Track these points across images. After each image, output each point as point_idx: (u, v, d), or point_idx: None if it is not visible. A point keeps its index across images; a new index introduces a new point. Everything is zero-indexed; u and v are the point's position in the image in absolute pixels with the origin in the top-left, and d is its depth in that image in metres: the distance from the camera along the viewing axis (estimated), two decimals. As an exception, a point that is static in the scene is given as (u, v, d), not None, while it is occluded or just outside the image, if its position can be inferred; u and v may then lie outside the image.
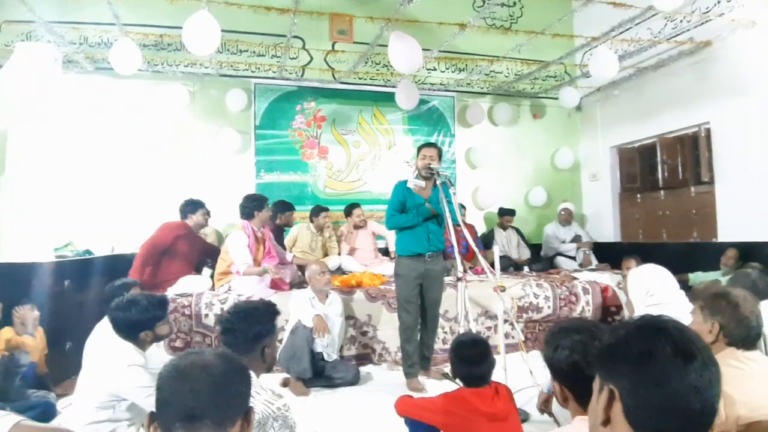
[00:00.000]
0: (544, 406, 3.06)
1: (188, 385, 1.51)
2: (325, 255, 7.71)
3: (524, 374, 4.40)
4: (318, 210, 7.76)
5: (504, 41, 7.87)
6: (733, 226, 7.16)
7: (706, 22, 7.06)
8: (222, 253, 6.27)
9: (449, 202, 4.89)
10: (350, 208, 8.00)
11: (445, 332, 6.19)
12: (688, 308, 2.85)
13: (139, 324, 3.26)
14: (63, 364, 4.97)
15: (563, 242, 9.08)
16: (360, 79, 8.82)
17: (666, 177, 8.43)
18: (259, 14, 6.70)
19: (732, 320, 2.42)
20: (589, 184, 10.15)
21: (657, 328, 1.22)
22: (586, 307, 6.79)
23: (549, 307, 6.67)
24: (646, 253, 6.13)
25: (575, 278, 7.21)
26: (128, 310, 3.23)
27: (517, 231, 9.23)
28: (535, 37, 7.33)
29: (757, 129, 6.75)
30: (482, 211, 9.76)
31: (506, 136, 9.97)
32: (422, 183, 5.09)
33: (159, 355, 3.58)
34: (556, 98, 9.52)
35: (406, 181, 5.24)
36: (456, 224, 4.87)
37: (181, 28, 5.86)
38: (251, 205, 6.12)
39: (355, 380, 5.32)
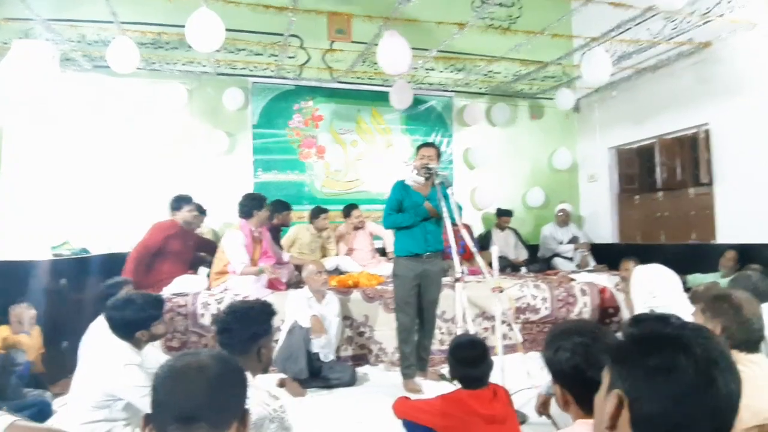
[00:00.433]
0: (543, 408, 3.04)
1: (184, 386, 1.51)
2: (323, 255, 7.69)
3: (522, 376, 4.39)
4: (318, 212, 7.72)
5: (502, 41, 7.85)
6: (732, 227, 7.15)
7: (706, 22, 7.03)
8: (218, 253, 6.23)
9: (447, 203, 4.88)
10: (349, 209, 7.98)
11: (443, 333, 6.17)
12: (690, 311, 2.82)
13: (135, 323, 3.26)
14: (59, 363, 4.95)
15: (561, 243, 9.08)
16: (358, 78, 8.80)
17: (665, 178, 8.42)
18: (257, 13, 6.68)
19: (734, 323, 2.39)
20: (587, 185, 10.14)
21: (681, 344, 1.13)
22: (583, 308, 6.77)
23: (546, 308, 6.66)
24: (644, 255, 6.12)
25: (573, 279, 7.19)
26: (124, 309, 3.24)
27: (515, 232, 9.23)
28: (534, 38, 7.31)
29: (757, 130, 6.74)
30: (480, 211, 9.75)
31: (504, 136, 9.97)
32: (421, 179, 5.08)
33: (155, 355, 3.60)
34: (554, 99, 9.50)
35: (404, 181, 5.23)
36: (454, 224, 4.86)
37: (178, 26, 5.86)
38: (251, 204, 6.09)
39: (351, 381, 5.30)
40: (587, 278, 7.26)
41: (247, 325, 2.67)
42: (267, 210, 6.27)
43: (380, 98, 9.04)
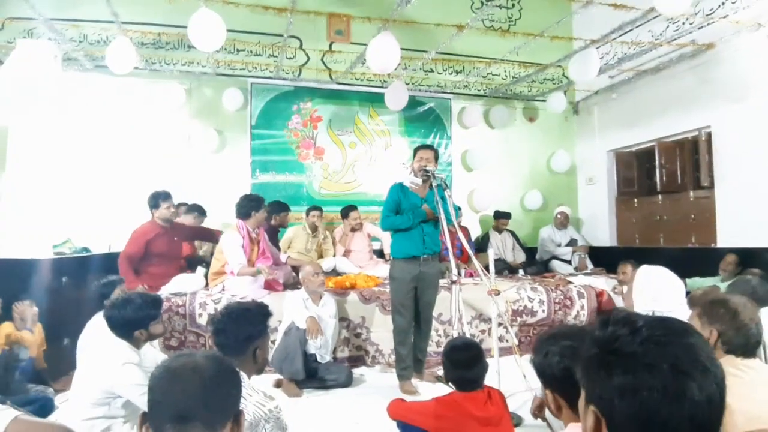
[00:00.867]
0: (538, 411, 3.04)
1: (179, 386, 1.54)
2: (320, 256, 7.70)
3: (518, 378, 4.39)
4: (308, 209, 7.82)
5: (502, 43, 7.88)
6: (733, 231, 7.12)
7: (709, 24, 7.01)
8: (216, 253, 6.24)
9: (444, 205, 4.88)
10: (347, 211, 7.99)
11: (439, 335, 6.17)
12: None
13: (133, 322, 3.30)
14: (60, 359, 4.98)
15: (559, 246, 9.08)
16: (357, 79, 8.81)
17: (664, 181, 8.39)
18: (257, 14, 6.69)
19: (731, 328, 2.38)
20: (586, 187, 10.14)
21: (644, 363, 1.07)
22: (580, 311, 6.77)
23: (543, 310, 6.66)
24: (643, 258, 6.11)
25: (570, 282, 7.20)
26: (123, 308, 3.28)
27: (513, 234, 9.23)
28: (534, 40, 7.31)
29: (760, 133, 6.71)
30: (478, 213, 9.76)
31: (503, 138, 9.96)
32: (419, 181, 5.10)
33: (153, 354, 3.63)
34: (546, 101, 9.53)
35: (401, 183, 5.24)
36: (450, 225, 4.86)
37: (179, 26, 5.86)
38: (249, 205, 6.09)
39: (348, 382, 5.30)
40: (585, 281, 7.26)
41: (242, 326, 2.68)
42: (265, 211, 6.27)
43: (379, 100, 9.03)
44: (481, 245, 8.67)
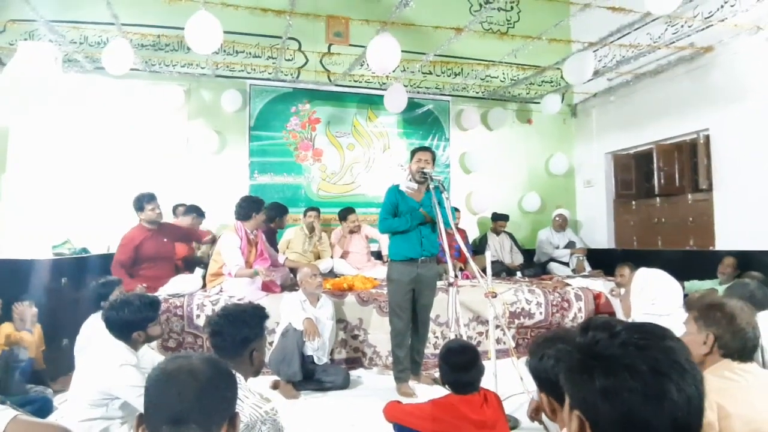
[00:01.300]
0: (535, 414, 3.04)
1: (174, 388, 1.56)
2: (318, 258, 7.70)
3: (515, 380, 4.39)
4: (306, 210, 7.86)
5: (500, 46, 7.90)
6: (732, 234, 7.11)
7: (708, 27, 7.02)
8: (214, 255, 6.25)
9: (442, 207, 4.88)
10: (345, 213, 7.98)
11: (437, 337, 6.18)
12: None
13: (131, 324, 3.32)
14: (59, 360, 5.00)
15: (557, 248, 9.08)
16: (355, 81, 8.85)
17: (662, 184, 8.38)
18: (256, 15, 6.69)
19: (727, 332, 2.35)
20: (584, 190, 10.16)
21: (624, 364, 1.10)
22: (578, 313, 6.77)
23: (541, 313, 6.66)
24: (641, 261, 6.10)
25: (568, 284, 7.21)
26: (121, 310, 3.30)
27: (511, 236, 9.23)
28: (532, 42, 7.31)
29: (758, 136, 6.70)
30: (476, 215, 9.77)
31: (501, 140, 9.97)
32: (414, 185, 5.10)
33: (151, 356, 3.64)
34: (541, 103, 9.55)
35: (399, 185, 5.24)
36: (448, 228, 4.87)
37: (178, 28, 5.89)
38: (249, 207, 6.09)
39: (345, 384, 5.30)
40: (582, 283, 7.27)
41: (239, 328, 2.68)
42: (264, 213, 6.27)
43: (377, 102, 9.06)
44: (478, 247, 8.68)
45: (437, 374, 5.19)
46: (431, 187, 4.97)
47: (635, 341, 1.13)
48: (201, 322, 5.72)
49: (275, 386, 5.22)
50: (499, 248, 8.89)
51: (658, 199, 8.62)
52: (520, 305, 6.61)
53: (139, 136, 8.04)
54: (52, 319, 5.17)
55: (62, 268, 5.94)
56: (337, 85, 8.93)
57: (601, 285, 7.12)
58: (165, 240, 6.37)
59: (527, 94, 9.75)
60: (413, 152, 5.29)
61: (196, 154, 8.35)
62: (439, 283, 5.60)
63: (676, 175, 8.14)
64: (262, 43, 8.01)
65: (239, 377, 2.34)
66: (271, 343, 5.22)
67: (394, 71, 7.06)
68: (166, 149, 8.15)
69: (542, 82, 9.47)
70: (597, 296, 6.93)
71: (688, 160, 7.96)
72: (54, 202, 7.26)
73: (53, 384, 4.80)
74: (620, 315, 6.38)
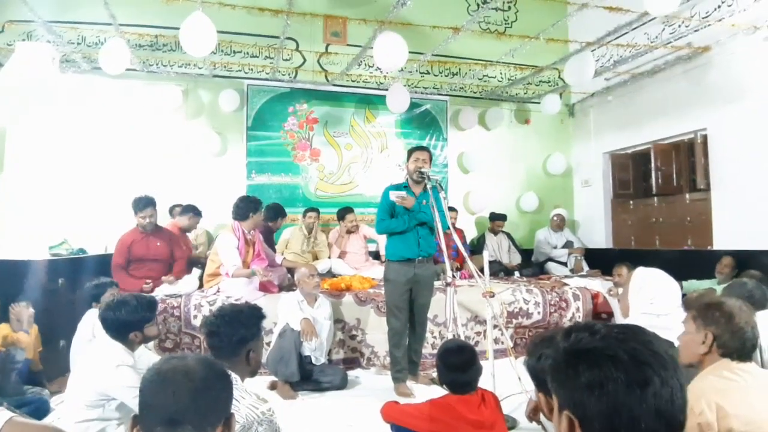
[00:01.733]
0: (533, 414, 3.03)
1: (169, 389, 1.55)
2: (315, 258, 7.69)
3: (513, 380, 4.39)
4: (305, 210, 7.85)
5: (498, 46, 7.90)
6: (730, 233, 7.10)
7: (705, 27, 7.02)
8: (211, 255, 6.25)
9: (439, 206, 4.88)
10: (343, 213, 7.98)
11: (434, 337, 6.17)
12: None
13: (128, 325, 3.31)
14: (56, 361, 5.01)
15: (555, 248, 9.08)
16: (353, 81, 8.84)
17: (660, 184, 8.36)
18: (253, 15, 6.69)
19: (726, 331, 2.34)
20: (581, 190, 10.16)
21: (606, 354, 1.13)
22: (576, 313, 6.78)
23: (539, 313, 6.66)
24: (639, 260, 6.06)
25: (566, 284, 7.21)
26: (118, 310, 3.29)
27: (508, 236, 9.23)
28: (529, 42, 7.30)
29: (756, 135, 6.69)
30: (474, 215, 9.77)
31: (498, 140, 9.97)
32: (404, 194, 5.07)
33: (148, 356, 3.64)
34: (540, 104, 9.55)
35: (396, 186, 5.24)
36: (446, 231, 4.86)
37: (175, 28, 5.86)
38: (247, 207, 6.07)
39: (342, 384, 5.30)
40: (580, 283, 7.27)
41: (236, 328, 2.67)
42: (261, 213, 6.26)
43: (375, 101, 9.07)
44: (476, 247, 8.68)
45: (435, 374, 5.19)
46: (428, 186, 4.97)
47: (615, 335, 1.17)
48: (198, 322, 5.70)
49: (273, 387, 5.21)
50: (497, 248, 8.89)
51: (655, 198, 8.62)
52: (517, 305, 6.61)
53: (137, 137, 8.03)
54: (49, 320, 5.16)
55: (59, 269, 5.93)
56: (334, 85, 8.92)
57: (598, 285, 7.13)
58: (159, 244, 6.38)
59: (525, 94, 9.75)
60: (410, 152, 5.29)
61: (194, 154, 8.33)
62: (437, 283, 5.60)
63: (674, 175, 8.14)
64: (260, 43, 8.01)
65: (236, 378, 2.34)
66: (268, 344, 5.22)
67: (391, 71, 7.06)
68: (163, 149, 8.14)
69: (540, 82, 9.47)
70: (595, 296, 6.93)
71: (686, 160, 7.95)
72: (51, 202, 7.27)
73: (50, 385, 4.79)
74: (618, 314, 6.38)
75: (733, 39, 6.93)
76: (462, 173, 9.80)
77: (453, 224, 6.00)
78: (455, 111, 9.72)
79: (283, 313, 5.26)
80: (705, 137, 7.49)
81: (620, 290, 6.02)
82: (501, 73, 9.23)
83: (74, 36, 7.41)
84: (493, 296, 4.63)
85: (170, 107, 8.18)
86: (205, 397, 1.56)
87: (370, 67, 8.67)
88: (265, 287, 6.09)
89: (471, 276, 6.24)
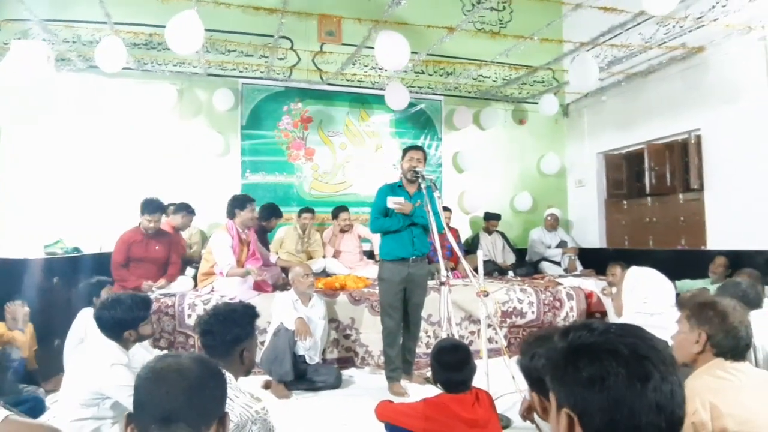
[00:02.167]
0: (527, 413, 3.04)
1: (163, 388, 1.55)
2: (310, 257, 7.69)
3: (507, 379, 4.39)
4: (300, 211, 7.85)
5: (492, 45, 7.89)
6: (723, 233, 7.14)
7: (700, 27, 7.05)
8: (205, 254, 6.24)
9: (433, 206, 4.88)
10: (337, 211, 7.98)
11: (428, 336, 6.17)
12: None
13: (123, 323, 3.32)
14: (51, 360, 4.99)
15: (549, 247, 9.10)
16: (347, 80, 8.82)
17: (653, 184, 8.42)
18: (248, 14, 6.67)
19: (720, 331, 2.34)
20: (575, 189, 10.18)
21: (606, 349, 1.14)
22: (570, 312, 6.79)
23: (533, 312, 6.68)
24: (632, 260, 6.07)
25: (559, 284, 7.22)
26: (113, 309, 3.30)
27: (503, 235, 9.23)
28: (524, 42, 7.30)
29: (750, 136, 6.73)
30: (468, 215, 9.77)
31: (493, 140, 9.98)
32: (402, 199, 5.06)
33: (142, 355, 3.64)
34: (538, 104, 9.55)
35: (390, 185, 5.24)
36: (441, 232, 4.87)
37: (171, 27, 5.86)
38: (233, 204, 6.09)
39: (337, 384, 5.30)
40: (574, 282, 7.29)
41: (229, 327, 2.67)
42: (251, 211, 6.21)
43: (369, 101, 9.08)
44: (471, 247, 8.68)
45: (429, 373, 5.20)
46: (423, 186, 4.97)
47: (613, 330, 1.19)
48: (192, 321, 5.69)
49: (267, 386, 5.21)
50: (491, 248, 8.90)
51: (649, 198, 8.65)
52: (511, 304, 6.62)
53: (132, 136, 8.00)
54: (44, 319, 5.15)
55: (54, 268, 5.93)
56: (329, 84, 8.91)
57: (592, 284, 7.15)
58: (158, 247, 6.36)
59: (519, 93, 9.75)
60: (405, 151, 5.30)
61: (188, 154, 8.30)
62: (431, 283, 5.60)
63: (668, 175, 8.17)
64: (254, 42, 7.98)
65: (229, 377, 2.33)
66: (262, 343, 5.21)
67: (387, 71, 7.05)
68: (158, 148, 8.11)
69: (534, 81, 9.49)
70: (588, 295, 6.95)
71: (680, 160, 7.97)
72: (46, 201, 7.26)
73: (45, 384, 4.77)
74: (612, 314, 6.39)
75: (727, 39, 6.95)
76: (456, 173, 9.80)
77: (447, 224, 5.99)
78: (450, 110, 9.72)
79: (277, 312, 5.25)
80: (699, 137, 7.52)
81: (614, 289, 6.04)
82: (495, 73, 9.23)
83: (69, 35, 7.38)
84: (487, 295, 4.64)
85: (165, 106, 8.14)
86: (200, 396, 1.56)
87: (364, 66, 8.66)
88: (259, 286, 6.09)
89: (465, 275, 6.24)
